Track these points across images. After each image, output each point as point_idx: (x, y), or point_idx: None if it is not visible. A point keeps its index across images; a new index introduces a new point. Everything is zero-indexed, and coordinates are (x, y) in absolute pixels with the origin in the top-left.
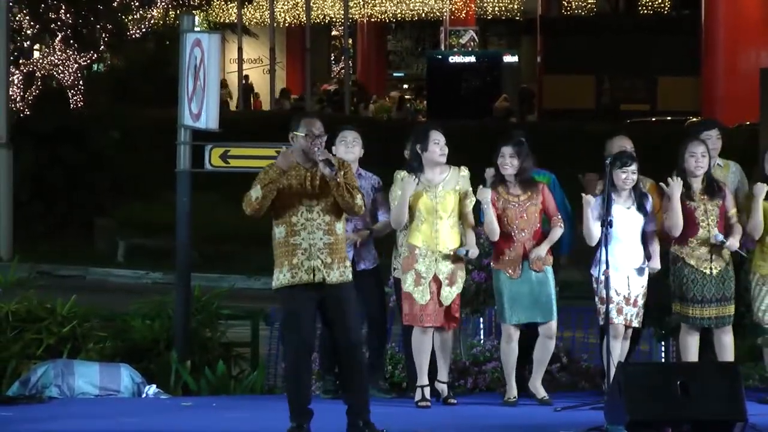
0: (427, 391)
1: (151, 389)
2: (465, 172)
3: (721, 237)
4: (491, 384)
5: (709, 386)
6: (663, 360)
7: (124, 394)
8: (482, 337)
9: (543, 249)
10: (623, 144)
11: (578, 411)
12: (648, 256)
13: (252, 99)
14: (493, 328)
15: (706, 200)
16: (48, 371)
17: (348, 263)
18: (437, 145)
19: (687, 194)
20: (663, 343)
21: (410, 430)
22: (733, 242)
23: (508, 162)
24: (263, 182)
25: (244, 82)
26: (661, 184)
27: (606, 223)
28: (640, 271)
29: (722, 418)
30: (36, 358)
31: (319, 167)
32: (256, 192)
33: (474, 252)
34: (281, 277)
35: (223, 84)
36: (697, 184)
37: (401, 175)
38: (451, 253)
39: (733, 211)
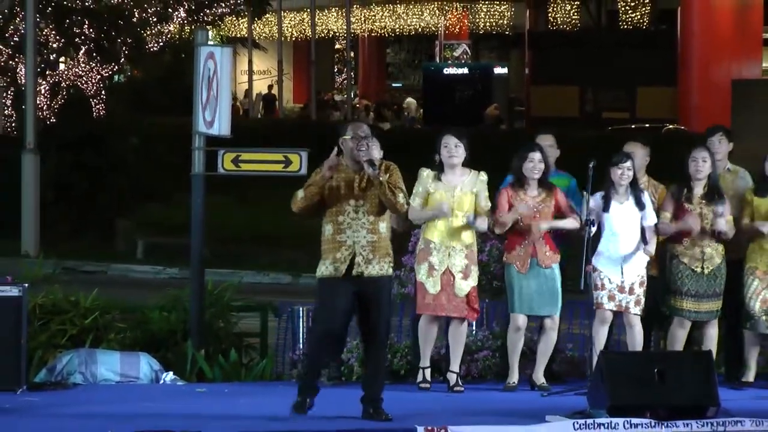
0: (428, 372)
1: (168, 376)
2: (484, 176)
3: (722, 209)
4: (483, 371)
5: (684, 373)
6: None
7: (143, 381)
8: (475, 328)
9: (545, 225)
10: (634, 149)
11: (564, 396)
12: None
13: (271, 107)
14: (485, 320)
15: (704, 205)
16: (72, 359)
17: (389, 259)
18: (446, 149)
19: (687, 197)
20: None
21: (408, 412)
22: (721, 222)
23: (538, 167)
24: (307, 184)
25: (267, 91)
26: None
27: (588, 222)
28: (636, 260)
29: (696, 403)
30: (61, 348)
31: (364, 168)
32: (300, 192)
33: (481, 224)
34: (324, 269)
35: (247, 94)
36: (698, 189)
37: (425, 172)
38: (465, 248)
39: (729, 218)
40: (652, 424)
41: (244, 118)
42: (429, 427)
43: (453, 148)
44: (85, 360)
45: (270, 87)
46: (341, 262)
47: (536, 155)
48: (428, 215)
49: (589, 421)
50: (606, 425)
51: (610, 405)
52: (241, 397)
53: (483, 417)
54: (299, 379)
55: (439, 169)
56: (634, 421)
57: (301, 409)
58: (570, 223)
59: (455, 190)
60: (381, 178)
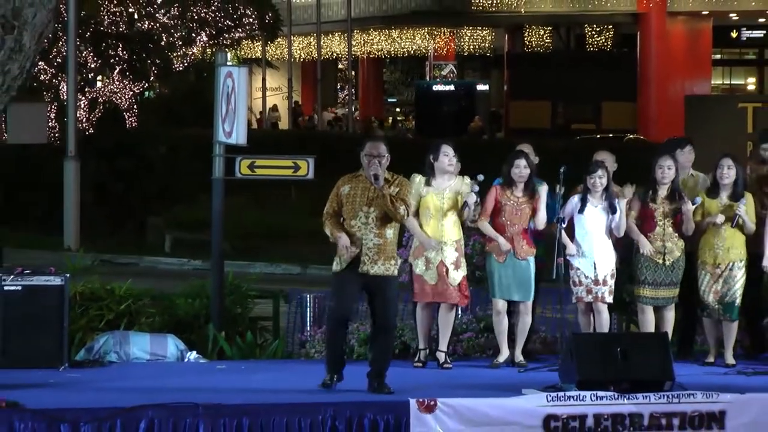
0: (423, 354)
1: (192, 355)
2: (468, 180)
3: (699, 199)
4: (467, 350)
5: (644, 352)
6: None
7: (170, 359)
8: (460, 312)
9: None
10: (604, 156)
11: (538, 372)
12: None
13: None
14: (469, 305)
15: (666, 204)
16: (108, 340)
17: (393, 261)
18: (446, 157)
19: (652, 197)
20: None
21: (402, 387)
22: (689, 206)
23: (524, 172)
24: (326, 218)
25: (294, 106)
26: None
27: (559, 220)
28: (607, 256)
29: (655, 378)
30: (98, 330)
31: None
32: (327, 230)
33: (471, 198)
34: (336, 266)
35: (275, 108)
36: (662, 191)
37: (418, 178)
38: (454, 243)
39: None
40: (616, 396)
41: (271, 129)
42: (420, 400)
43: (452, 158)
44: (119, 341)
45: (297, 103)
46: (346, 260)
47: (522, 161)
48: (416, 233)
49: (561, 393)
50: (575, 397)
51: (579, 380)
52: (256, 373)
53: (468, 390)
54: (326, 359)
55: (430, 172)
56: (600, 393)
57: (327, 386)
58: (542, 215)
59: (444, 193)
60: (384, 192)
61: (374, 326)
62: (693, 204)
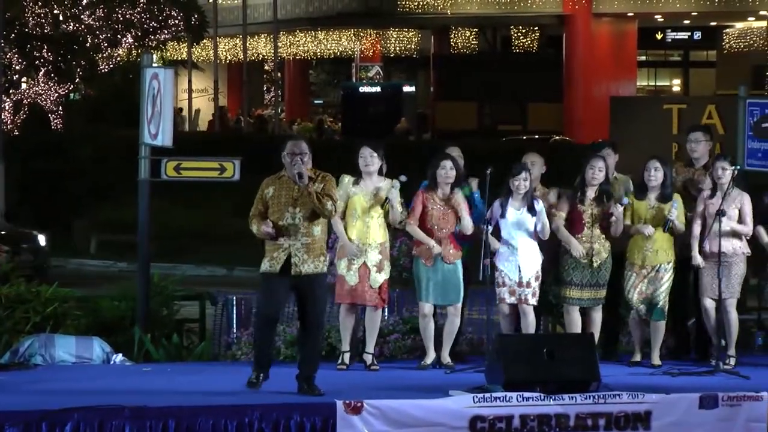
0: (347, 356)
1: (118, 357)
2: (396, 184)
3: (626, 200)
4: (394, 351)
5: (569, 353)
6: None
7: (95, 362)
8: (387, 313)
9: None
10: (533, 158)
11: (464, 373)
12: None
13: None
14: (395, 307)
15: (594, 206)
16: (34, 343)
17: (322, 258)
18: (362, 158)
19: (581, 199)
20: None
21: (329, 389)
22: (618, 209)
23: (450, 174)
24: (253, 215)
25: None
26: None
27: (486, 222)
28: (531, 259)
29: (581, 378)
30: (24, 333)
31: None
32: (254, 228)
33: (395, 196)
34: (263, 266)
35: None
36: (591, 192)
37: (347, 179)
38: (379, 245)
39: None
40: (542, 397)
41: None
42: (347, 401)
43: (368, 158)
44: (45, 343)
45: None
46: (277, 261)
47: (447, 163)
48: (341, 236)
49: (487, 395)
50: (501, 398)
51: (505, 381)
52: (182, 375)
53: (395, 392)
54: (254, 358)
55: (358, 175)
56: (526, 394)
57: (253, 385)
58: (468, 221)
59: (371, 194)
60: (310, 189)
61: (303, 327)
62: (621, 205)
